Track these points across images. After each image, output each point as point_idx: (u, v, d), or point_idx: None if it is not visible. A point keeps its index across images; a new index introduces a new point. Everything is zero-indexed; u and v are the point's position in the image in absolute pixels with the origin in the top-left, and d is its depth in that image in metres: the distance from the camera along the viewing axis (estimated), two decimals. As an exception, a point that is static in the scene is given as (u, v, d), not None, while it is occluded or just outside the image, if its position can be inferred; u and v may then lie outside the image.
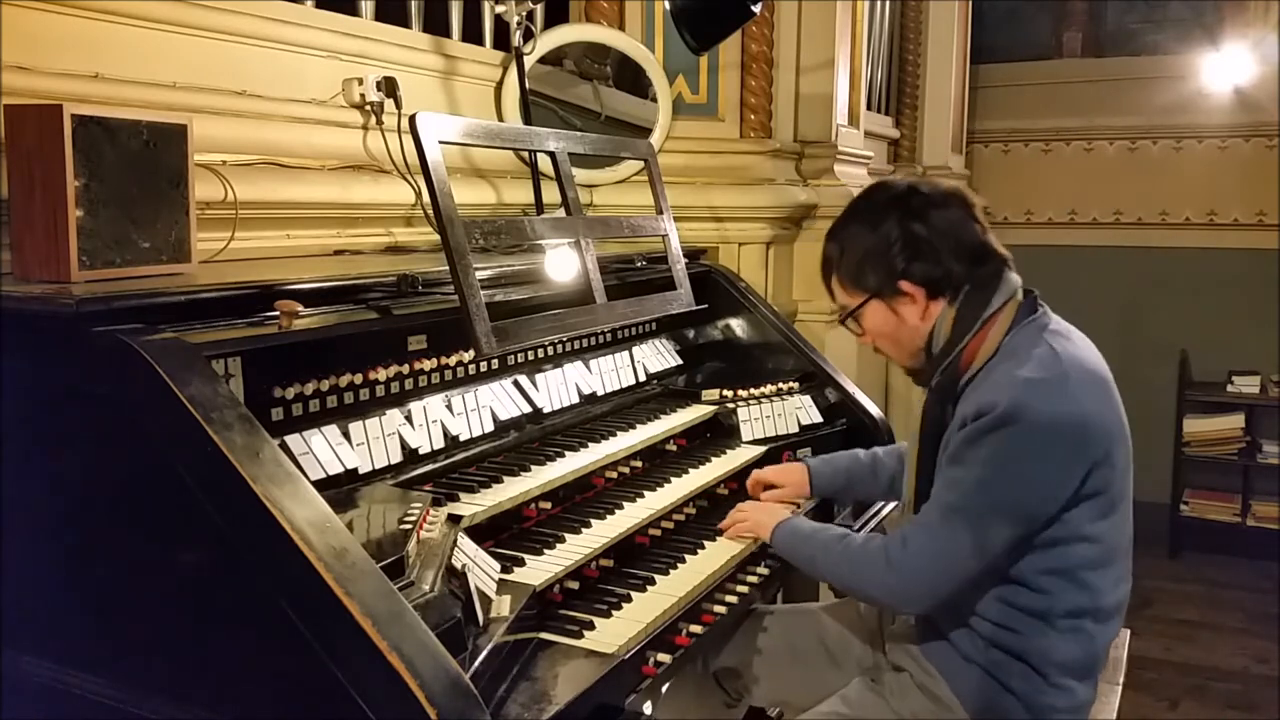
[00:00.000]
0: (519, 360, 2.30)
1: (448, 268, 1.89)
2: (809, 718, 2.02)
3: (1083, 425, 1.78)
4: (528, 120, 2.91)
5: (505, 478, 1.99)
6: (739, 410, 2.71)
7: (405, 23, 2.84)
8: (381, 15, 2.74)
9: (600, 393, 2.51)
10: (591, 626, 1.73)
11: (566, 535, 1.96)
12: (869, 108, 4.33)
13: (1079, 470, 1.78)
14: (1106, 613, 1.89)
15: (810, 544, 2.04)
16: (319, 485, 1.56)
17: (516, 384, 2.26)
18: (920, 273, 1.90)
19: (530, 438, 2.23)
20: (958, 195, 1.96)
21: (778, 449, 2.70)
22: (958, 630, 1.93)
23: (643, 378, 2.71)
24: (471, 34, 3.09)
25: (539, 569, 1.81)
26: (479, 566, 1.65)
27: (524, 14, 2.89)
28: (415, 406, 1.97)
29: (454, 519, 1.74)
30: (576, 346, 2.51)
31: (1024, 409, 1.75)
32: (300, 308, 1.68)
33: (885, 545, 1.89)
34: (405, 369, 1.96)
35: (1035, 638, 1.86)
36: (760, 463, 2.63)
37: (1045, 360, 1.82)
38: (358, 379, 1.85)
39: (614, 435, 2.34)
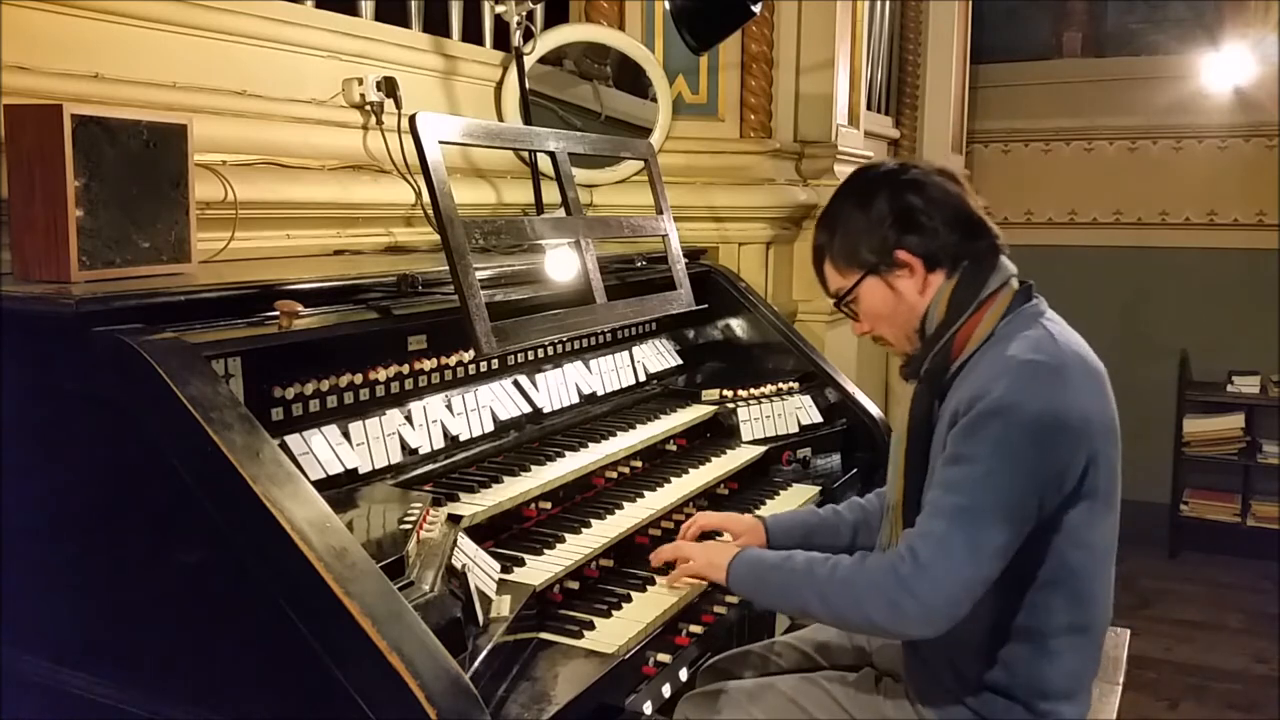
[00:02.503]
0: (519, 360, 2.30)
1: (448, 268, 1.89)
2: (810, 676, 1.97)
3: (1081, 414, 1.70)
4: (528, 120, 2.91)
5: (505, 478, 1.99)
6: (739, 410, 2.71)
7: (405, 23, 2.84)
8: (381, 15, 2.74)
9: (600, 393, 2.51)
10: (591, 626, 1.73)
11: (566, 535, 1.96)
12: (869, 108, 4.32)
13: (1079, 461, 1.70)
14: (1097, 625, 1.82)
15: (782, 572, 1.82)
16: (319, 485, 1.56)
17: (516, 384, 2.26)
18: (916, 243, 1.82)
19: (530, 438, 2.23)
20: (948, 171, 1.89)
21: (778, 449, 2.71)
22: (944, 665, 1.84)
23: (643, 378, 2.71)
24: (471, 34, 3.09)
25: (539, 569, 1.81)
26: (479, 566, 1.65)
27: (524, 14, 2.89)
28: (415, 406, 1.97)
29: (454, 519, 1.74)
30: (576, 346, 2.51)
31: (1021, 393, 1.66)
32: (300, 308, 1.69)
33: (893, 563, 1.68)
34: (405, 369, 1.96)
35: (1025, 668, 1.77)
36: (760, 463, 2.63)
37: (1041, 343, 1.73)
38: (358, 379, 1.85)
39: (614, 435, 2.34)
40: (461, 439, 2.05)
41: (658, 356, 2.81)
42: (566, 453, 2.18)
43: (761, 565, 1.86)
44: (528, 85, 2.93)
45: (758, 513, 2.36)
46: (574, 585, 1.88)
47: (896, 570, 1.68)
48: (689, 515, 2.28)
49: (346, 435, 1.79)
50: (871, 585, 1.70)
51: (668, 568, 1.98)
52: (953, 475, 1.71)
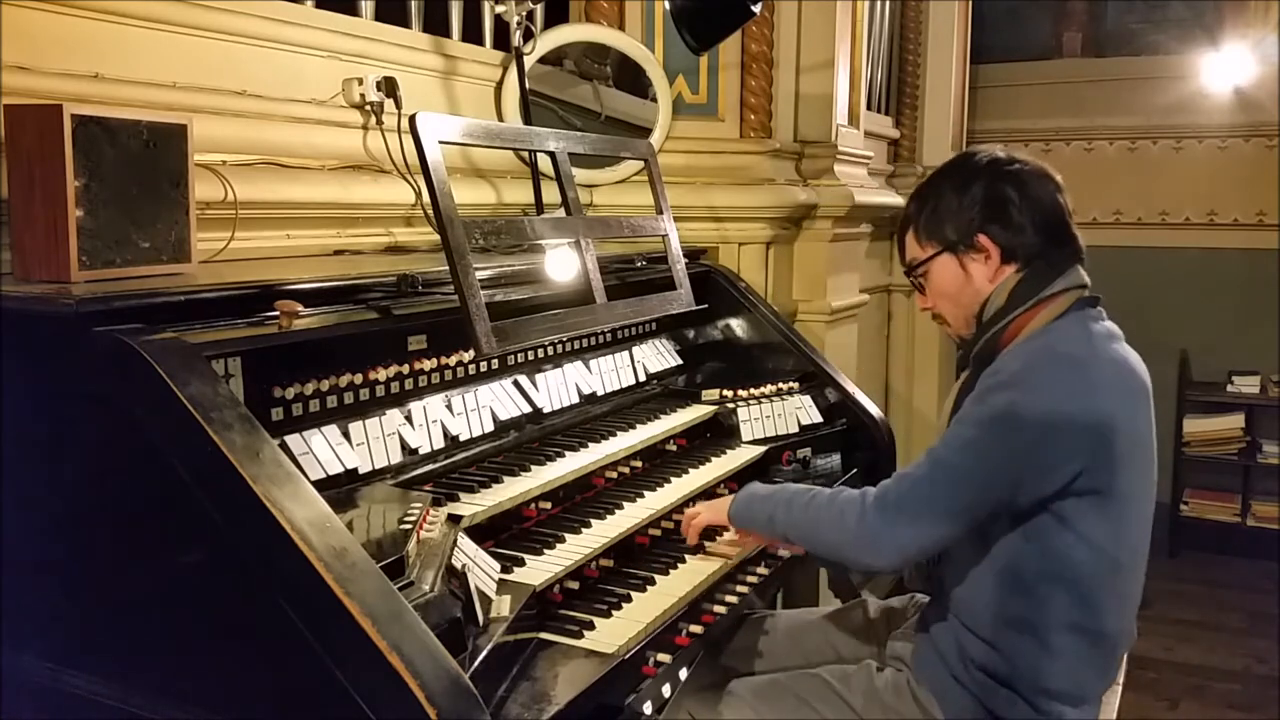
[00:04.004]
0: (519, 360, 2.30)
1: (448, 268, 1.89)
2: (813, 671, 2.02)
3: (1096, 411, 1.72)
4: (528, 120, 2.91)
5: (505, 478, 1.99)
6: (739, 410, 2.71)
7: (405, 23, 2.83)
8: (381, 15, 2.74)
9: (600, 393, 2.51)
10: (591, 626, 1.73)
11: (566, 535, 1.96)
12: (869, 108, 4.32)
13: (1075, 457, 1.71)
14: (1108, 634, 1.83)
15: (769, 502, 2.00)
16: (319, 485, 1.56)
17: (516, 384, 2.26)
18: (999, 232, 1.88)
19: (530, 438, 2.23)
20: (1051, 175, 1.97)
21: (778, 449, 2.71)
22: (951, 648, 1.88)
23: (643, 378, 2.71)
24: (471, 34, 3.09)
25: (539, 569, 1.81)
26: (479, 566, 1.65)
27: (524, 14, 2.89)
28: (415, 406, 1.97)
29: (454, 519, 1.74)
30: (576, 346, 2.51)
31: (1037, 377, 1.72)
32: (300, 308, 1.69)
33: (862, 494, 1.85)
34: (405, 369, 1.96)
35: (1026, 661, 1.80)
36: (760, 463, 2.63)
37: (1078, 339, 1.78)
38: (358, 379, 1.85)
39: (614, 435, 2.34)
40: (461, 439, 2.05)
41: (658, 356, 2.81)
42: (566, 453, 2.18)
43: (754, 498, 2.06)
44: (528, 85, 2.93)
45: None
46: (574, 585, 1.88)
47: (863, 501, 1.83)
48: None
49: (346, 435, 1.79)
50: (839, 513, 1.86)
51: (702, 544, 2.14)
52: (950, 431, 1.81)
